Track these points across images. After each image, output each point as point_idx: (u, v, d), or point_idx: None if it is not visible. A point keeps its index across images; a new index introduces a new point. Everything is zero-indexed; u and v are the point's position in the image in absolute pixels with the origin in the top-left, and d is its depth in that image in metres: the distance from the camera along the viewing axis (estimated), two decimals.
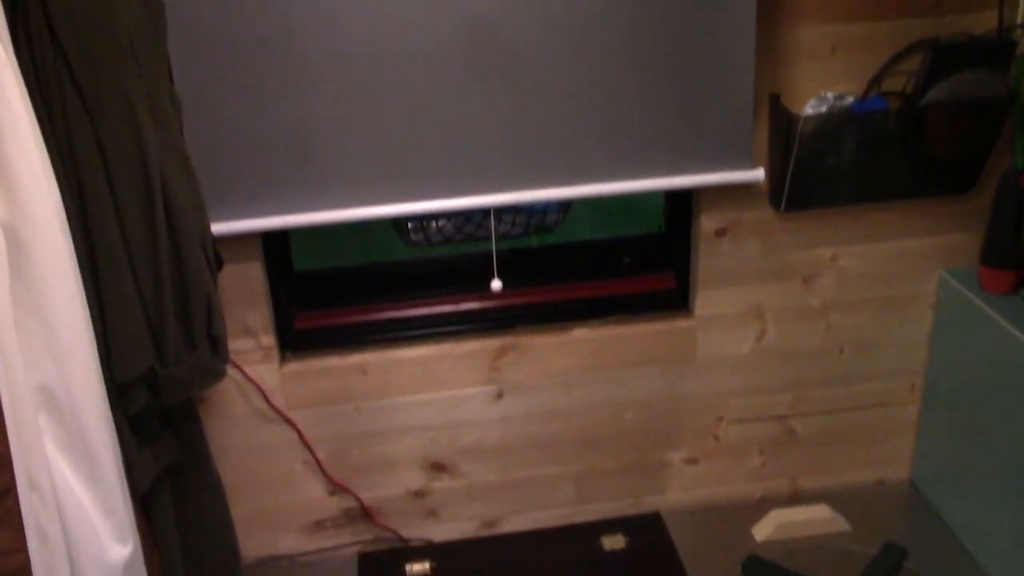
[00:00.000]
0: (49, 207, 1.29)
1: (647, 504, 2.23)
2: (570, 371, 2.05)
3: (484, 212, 1.90)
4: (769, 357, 2.10)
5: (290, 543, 2.13)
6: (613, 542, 2.12)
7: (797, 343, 2.09)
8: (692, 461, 2.20)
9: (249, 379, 1.94)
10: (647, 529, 2.16)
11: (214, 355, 1.69)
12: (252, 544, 2.10)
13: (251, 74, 1.65)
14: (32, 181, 1.26)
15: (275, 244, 1.92)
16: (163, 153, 1.50)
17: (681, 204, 1.98)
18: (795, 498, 2.25)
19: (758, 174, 1.84)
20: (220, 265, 1.72)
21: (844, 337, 2.10)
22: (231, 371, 1.92)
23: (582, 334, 2.02)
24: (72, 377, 1.38)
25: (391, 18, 1.64)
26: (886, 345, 2.12)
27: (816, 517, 2.15)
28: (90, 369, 1.42)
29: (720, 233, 1.95)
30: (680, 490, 2.22)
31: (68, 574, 1.37)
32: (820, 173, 1.84)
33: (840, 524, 2.14)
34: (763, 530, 2.14)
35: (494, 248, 1.90)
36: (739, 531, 2.15)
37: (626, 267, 2.12)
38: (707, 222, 1.94)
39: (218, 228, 1.71)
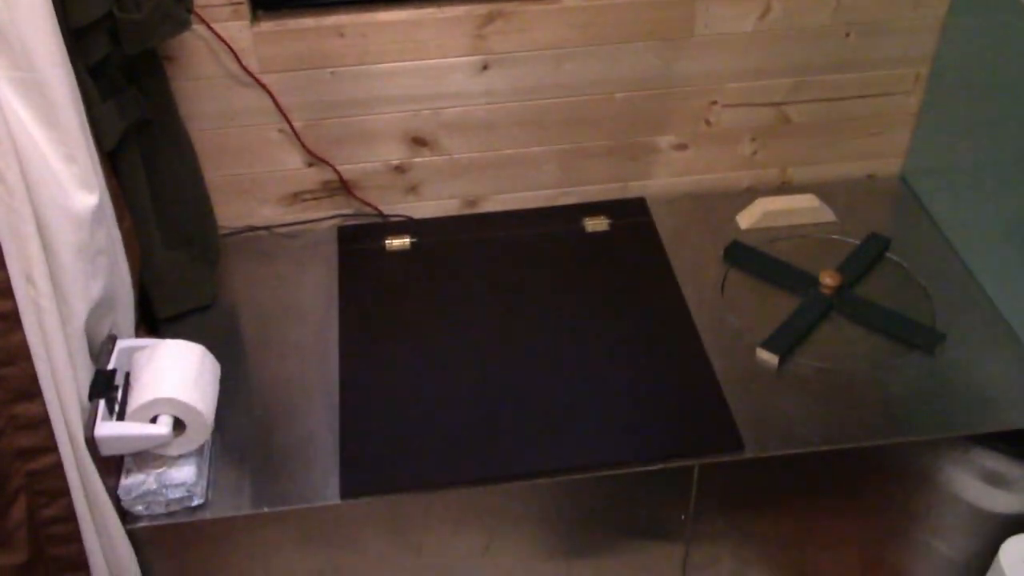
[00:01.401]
0: None
1: (633, 189, 2.18)
2: (560, 43, 1.93)
3: None
4: (771, 37, 1.98)
5: (268, 214, 2.09)
6: (595, 224, 2.09)
7: (802, 23, 1.97)
8: (681, 147, 2.13)
9: (219, 37, 1.82)
10: (631, 213, 2.13)
11: (177, 1, 1.57)
12: (229, 214, 2.06)
13: None
14: None
15: None
16: None
17: None
18: (784, 188, 2.21)
19: None
20: None
21: (853, 17, 1.97)
22: (199, 28, 1.80)
23: (575, 2, 1.89)
24: (18, 6, 1.27)
25: None
26: (896, 29, 2.00)
27: (802, 207, 2.11)
28: (38, 4, 1.31)
29: None
30: (667, 176, 2.17)
31: (32, 218, 1.32)
32: None
33: (826, 214, 2.11)
34: (748, 217, 2.11)
35: None
36: (724, 218, 2.12)
37: None
38: None
39: None
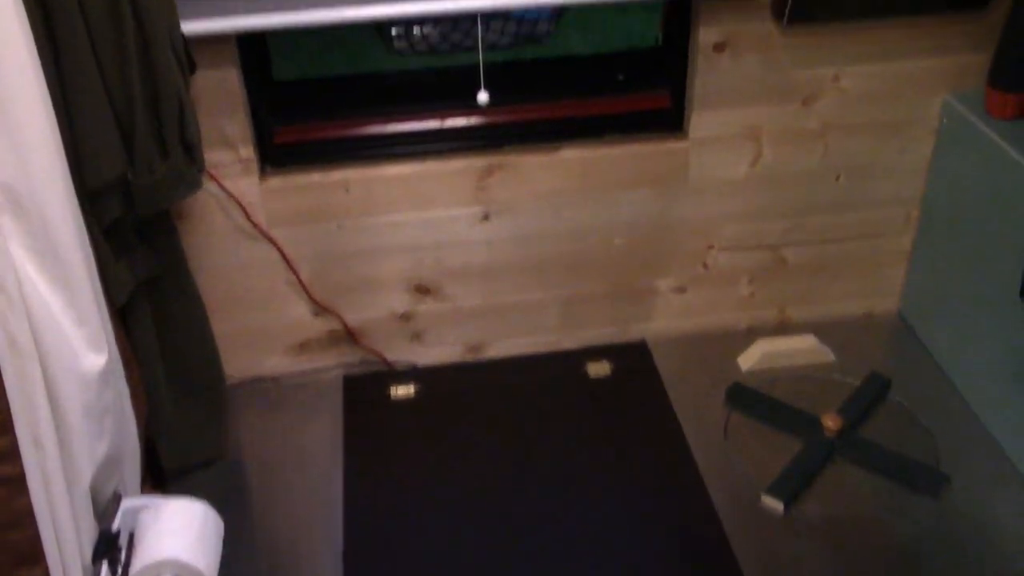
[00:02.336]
0: None
1: (633, 332, 2.21)
2: (559, 192, 1.99)
3: (472, 19, 1.80)
4: (763, 182, 2.04)
5: (275, 364, 2.12)
6: (598, 368, 2.12)
7: (793, 168, 2.03)
8: (680, 289, 2.17)
9: (228, 194, 1.88)
10: (632, 356, 2.15)
11: (188, 162, 1.63)
12: (237, 364, 2.08)
13: None
14: None
15: (253, 50, 1.82)
16: None
17: (679, 15, 1.88)
18: (782, 328, 2.23)
19: None
20: (192, 68, 1.64)
21: (842, 162, 2.04)
22: (210, 185, 1.86)
23: (572, 154, 1.96)
24: (36, 176, 1.32)
25: None
26: (884, 172, 2.06)
27: (802, 347, 2.14)
28: (56, 168, 1.35)
29: (719, 48, 1.86)
30: (667, 318, 2.20)
31: (42, 382, 1.34)
32: None
33: (826, 354, 2.13)
34: (748, 359, 2.13)
35: (481, 57, 1.81)
36: (725, 360, 2.14)
37: (619, 84, 2.03)
38: (705, 35, 1.84)
39: (189, 28, 1.61)
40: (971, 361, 1.99)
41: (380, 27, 1.82)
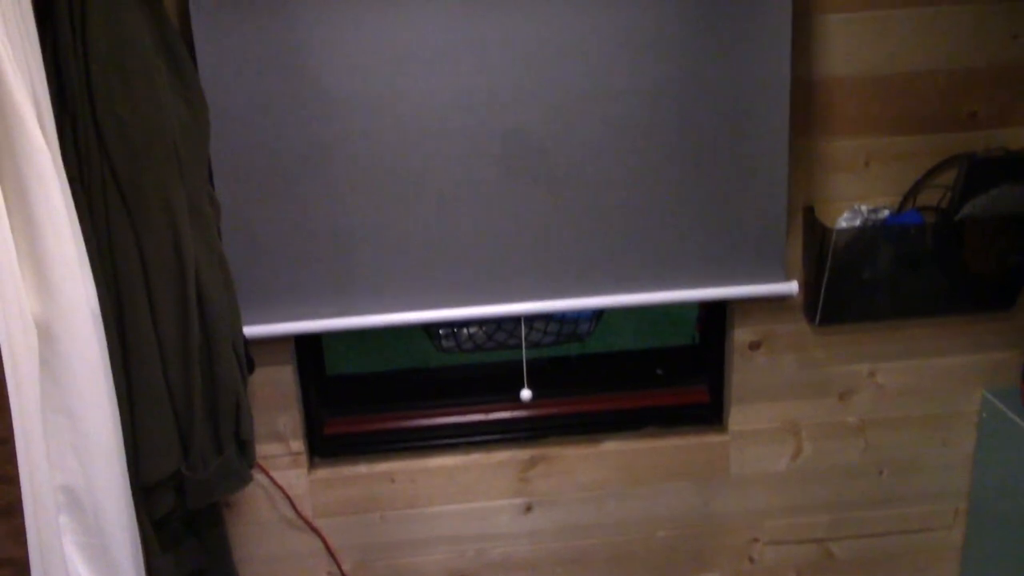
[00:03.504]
0: (83, 303, 1.31)
1: None
2: (601, 484, 2.01)
3: (516, 320, 1.90)
4: (805, 476, 2.04)
5: None
6: None
7: (834, 462, 2.04)
8: None
9: (276, 485, 1.92)
10: None
11: (241, 459, 1.68)
12: None
13: (288, 179, 1.68)
14: (67, 276, 1.28)
15: (308, 347, 1.93)
16: (200, 254, 1.52)
17: (715, 315, 1.97)
18: None
19: (792, 287, 1.82)
20: (252, 368, 1.72)
21: (883, 457, 2.04)
22: (258, 476, 1.91)
23: (613, 447, 1.99)
24: (97, 478, 1.38)
25: (426, 127, 1.67)
26: (928, 466, 2.06)
27: None
28: (115, 470, 1.41)
29: (754, 346, 1.93)
30: None
31: None
32: (855, 286, 1.82)
33: None
34: None
35: (524, 357, 1.89)
36: None
37: (658, 379, 2.10)
38: (741, 334, 1.92)
39: (251, 331, 1.72)
40: None
41: (428, 327, 1.92)
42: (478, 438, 1.99)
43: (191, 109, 1.53)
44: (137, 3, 1.46)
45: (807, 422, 2.00)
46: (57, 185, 1.25)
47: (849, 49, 1.74)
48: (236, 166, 1.67)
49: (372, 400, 2.04)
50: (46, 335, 1.27)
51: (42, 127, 1.25)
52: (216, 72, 1.61)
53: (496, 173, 1.71)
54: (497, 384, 2.01)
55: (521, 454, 1.98)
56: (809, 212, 1.82)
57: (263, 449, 1.88)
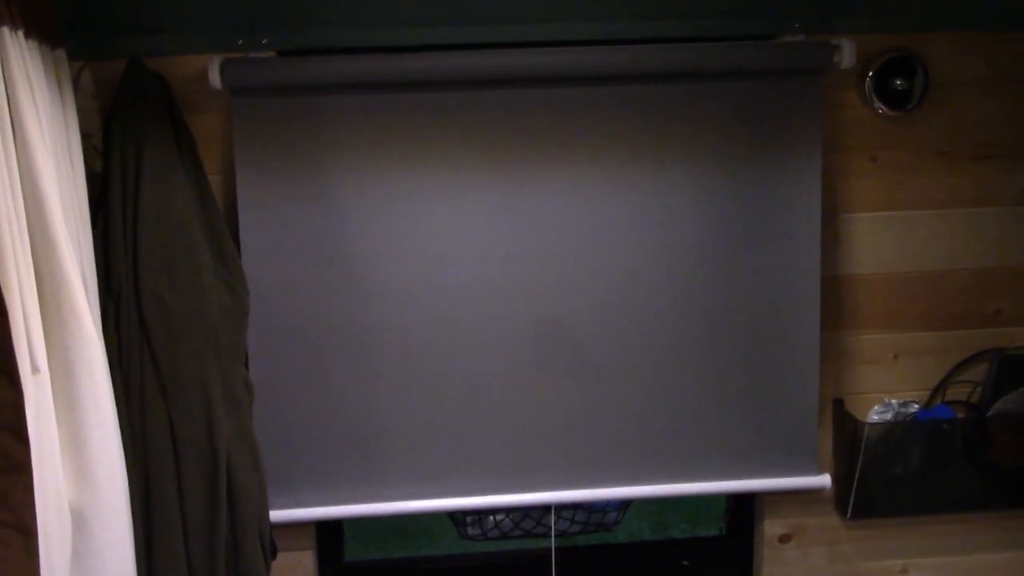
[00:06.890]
0: (120, 493, 1.29)
1: None
2: None
3: (542, 508, 1.86)
4: None
5: None
6: None
7: None
8: None
9: None
10: None
11: None
12: None
13: (320, 364, 1.69)
14: (106, 464, 1.26)
15: (328, 531, 1.88)
16: (232, 438, 1.51)
17: (744, 506, 1.94)
18: None
19: (824, 480, 1.80)
20: (275, 554, 1.68)
21: None
22: None
23: None
24: None
25: (459, 317, 1.69)
26: None
27: None
28: None
29: (784, 539, 1.89)
30: None
31: None
32: (887, 481, 1.80)
33: None
34: None
35: (553, 546, 1.85)
36: None
37: (684, 570, 2.04)
38: (771, 527, 1.88)
39: (276, 515, 1.68)
40: None
41: (453, 514, 1.88)
42: None
43: (232, 294, 1.55)
44: (188, 183, 1.50)
45: None
46: (104, 375, 1.25)
47: (875, 247, 1.78)
48: (270, 349, 1.67)
49: None
50: (79, 520, 1.24)
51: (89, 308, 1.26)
52: (257, 256, 1.64)
53: (527, 364, 1.71)
54: (523, 572, 1.95)
55: None
56: (839, 404, 1.82)
57: None
